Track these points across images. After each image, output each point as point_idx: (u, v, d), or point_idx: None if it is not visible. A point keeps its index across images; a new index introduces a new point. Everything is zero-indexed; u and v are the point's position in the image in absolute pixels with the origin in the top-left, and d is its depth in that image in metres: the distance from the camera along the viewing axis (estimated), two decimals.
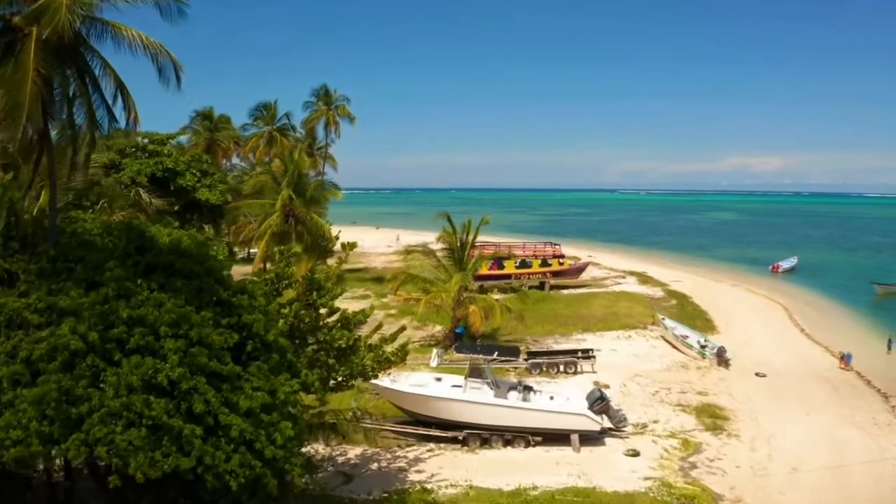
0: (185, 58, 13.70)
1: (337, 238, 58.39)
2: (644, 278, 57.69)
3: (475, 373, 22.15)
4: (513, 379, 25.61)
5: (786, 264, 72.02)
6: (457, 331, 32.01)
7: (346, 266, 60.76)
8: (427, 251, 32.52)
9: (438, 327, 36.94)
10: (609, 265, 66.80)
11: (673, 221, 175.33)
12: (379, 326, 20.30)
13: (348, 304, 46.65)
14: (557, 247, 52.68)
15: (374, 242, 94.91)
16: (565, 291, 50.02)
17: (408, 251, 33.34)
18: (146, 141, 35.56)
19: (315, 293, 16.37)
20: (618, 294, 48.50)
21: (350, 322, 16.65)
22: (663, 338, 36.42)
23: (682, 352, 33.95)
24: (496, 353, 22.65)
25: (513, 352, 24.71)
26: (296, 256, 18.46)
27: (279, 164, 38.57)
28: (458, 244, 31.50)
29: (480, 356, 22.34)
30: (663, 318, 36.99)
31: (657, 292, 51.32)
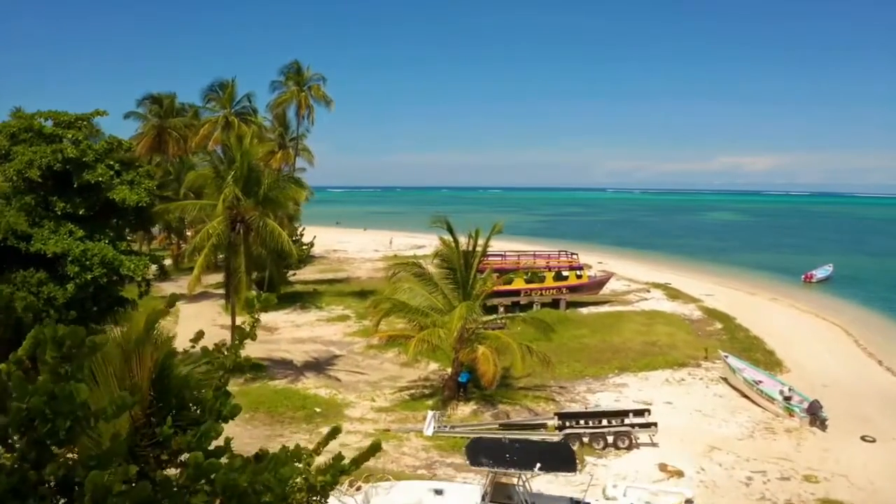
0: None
1: (310, 246, 49.87)
2: (671, 292, 49.41)
3: (500, 493, 13.51)
4: (562, 494, 16.11)
5: (820, 273, 64.20)
6: (460, 379, 23.51)
7: (323, 276, 52.01)
8: (420, 272, 23.83)
9: (434, 365, 28.47)
10: (625, 274, 58.47)
11: (674, 222, 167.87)
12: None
13: (322, 328, 38.07)
14: (575, 256, 44.16)
15: (361, 246, 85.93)
16: (584, 310, 41.63)
17: (395, 267, 24.54)
18: (49, 123, 26.76)
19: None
20: (649, 314, 40.13)
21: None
22: (726, 381, 28.11)
23: (759, 404, 25.65)
24: (537, 464, 13.56)
25: (563, 460, 14.71)
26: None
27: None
28: (462, 262, 22.93)
29: (510, 470, 13.51)
30: (726, 356, 28.64)
31: (693, 311, 43.02)
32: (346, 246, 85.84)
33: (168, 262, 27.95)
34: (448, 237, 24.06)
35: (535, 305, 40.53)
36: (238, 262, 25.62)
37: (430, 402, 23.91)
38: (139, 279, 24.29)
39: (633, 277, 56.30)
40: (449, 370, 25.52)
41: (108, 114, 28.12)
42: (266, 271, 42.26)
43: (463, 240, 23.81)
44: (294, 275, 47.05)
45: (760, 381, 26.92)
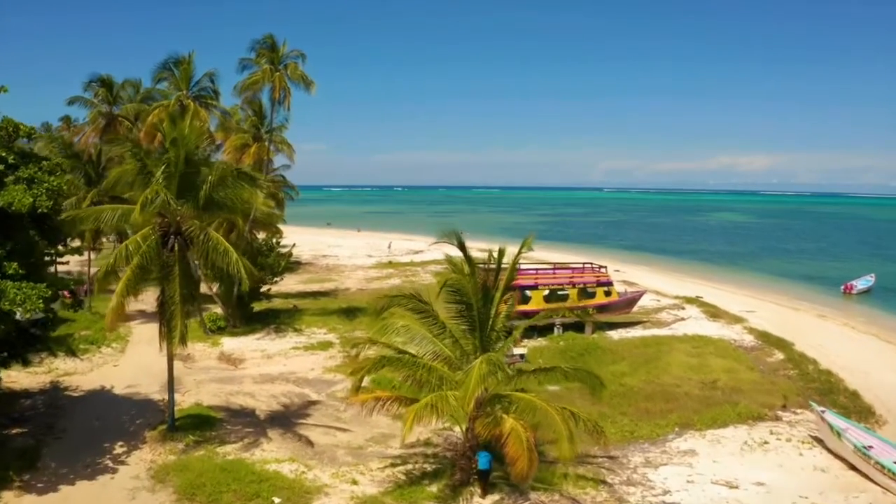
0: None
1: (288, 256, 42.84)
2: (709, 309, 42.67)
3: None
4: None
5: (861, 284, 57.80)
6: (479, 464, 16.57)
7: (307, 287, 45.01)
8: (420, 307, 16.72)
9: (433, 423, 21.51)
10: (648, 285, 51.79)
11: (681, 223, 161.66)
12: None
13: (298, 359, 30.82)
14: (603, 269, 37.22)
15: (353, 250, 78.77)
16: (615, 334, 34.85)
17: (386, 299, 17.33)
18: None
19: None
20: (694, 341, 33.32)
21: None
22: (822, 443, 21.34)
23: (876, 482, 18.90)
24: None
25: None
26: None
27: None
28: (481, 295, 15.99)
29: None
30: (823, 411, 21.80)
31: (742, 335, 36.25)
32: (337, 250, 78.70)
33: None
34: (458, 256, 17.15)
35: (556, 329, 33.74)
36: (172, 288, 18.69)
37: (433, 489, 17.05)
38: (26, 316, 17.48)
39: (658, 290, 49.60)
40: (458, 429, 18.67)
41: (6, 90, 21.15)
42: (235, 287, 35.37)
43: (476, 252, 17.01)
44: (271, 286, 40.04)
45: (871, 447, 20.17)
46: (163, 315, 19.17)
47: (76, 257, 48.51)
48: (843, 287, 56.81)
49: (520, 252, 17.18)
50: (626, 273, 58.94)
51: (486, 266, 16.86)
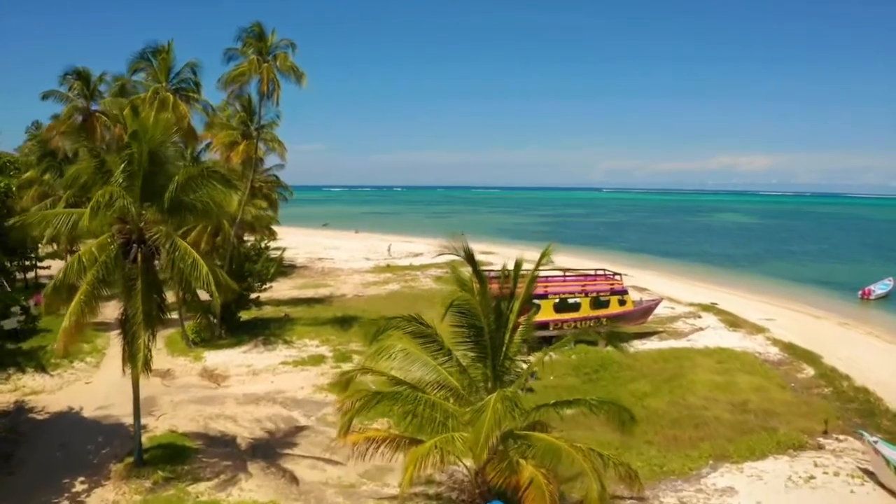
0: None
1: (279, 262, 40.26)
2: (726, 317, 40.14)
3: None
4: None
5: (879, 289, 55.24)
6: None
7: (301, 293, 42.37)
8: (421, 331, 14.13)
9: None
10: (659, 291, 49.33)
11: (682, 224, 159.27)
12: None
13: (287, 376, 27.71)
14: (618, 278, 34.64)
15: (351, 253, 76.01)
16: (631, 346, 32.30)
17: (381, 321, 14.66)
18: None
19: None
20: (716, 355, 30.80)
21: None
22: (874, 476, 18.87)
23: None
24: None
25: None
26: None
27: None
28: (493, 317, 13.45)
29: None
30: (875, 441, 19.32)
31: (766, 347, 33.74)
32: (333, 253, 75.94)
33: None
34: (466, 270, 14.63)
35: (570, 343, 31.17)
36: (134, 305, 16.13)
37: None
38: None
39: (670, 296, 47.09)
40: (465, 467, 16.13)
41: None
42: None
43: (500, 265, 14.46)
44: (260, 293, 37.46)
45: None
46: (125, 335, 16.61)
47: (58, 262, 45.95)
48: (860, 292, 54.33)
49: (538, 264, 14.65)
50: (632, 277, 56.32)
51: (501, 284, 14.27)
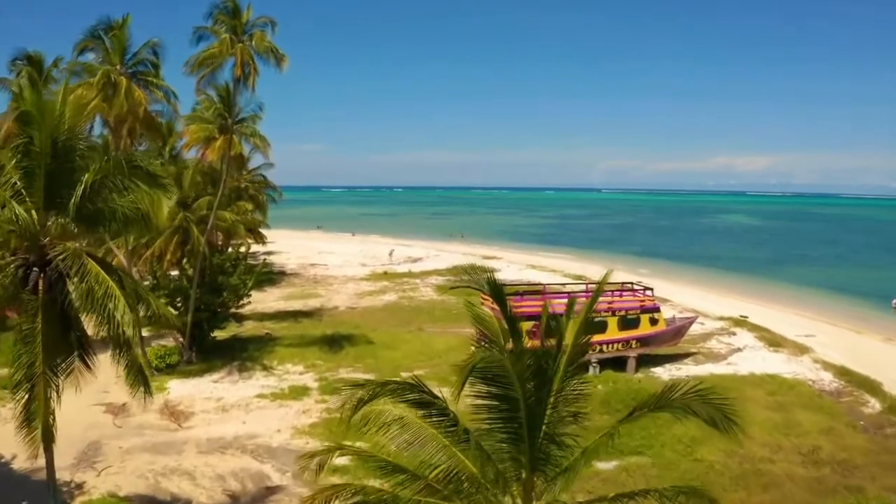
0: None
1: (256, 276, 35.70)
2: (764, 334, 35.76)
3: None
4: None
5: None
6: None
7: (289, 305, 37.72)
8: (425, 399, 9.81)
9: None
10: (685, 302, 45.08)
11: (688, 225, 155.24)
12: None
13: (262, 414, 22.30)
14: (649, 293, 30.25)
15: (346, 258, 71.08)
16: (664, 372, 28.09)
17: (362, 390, 10.35)
18: None
19: None
20: (766, 383, 26.46)
21: None
22: None
23: None
24: None
25: None
26: None
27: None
28: (533, 383, 9.06)
29: None
30: None
31: (817, 372, 29.37)
32: (327, 258, 70.91)
33: None
34: (486, 313, 10.30)
35: (590, 368, 26.88)
36: (32, 352, 11.75)
37: None
38: None
39: (697, 308, 42.72)
40: None
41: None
42: (190, 311, 28.40)
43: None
44: (240, 309, 33.09)
45: None
46: (15, 389, 12.18)
47: None
48: (894, 301, 50.30)
49: (594, 299, 10.25)
50: (647, 284, 52.01)
51: (542, 332, 9.94)
